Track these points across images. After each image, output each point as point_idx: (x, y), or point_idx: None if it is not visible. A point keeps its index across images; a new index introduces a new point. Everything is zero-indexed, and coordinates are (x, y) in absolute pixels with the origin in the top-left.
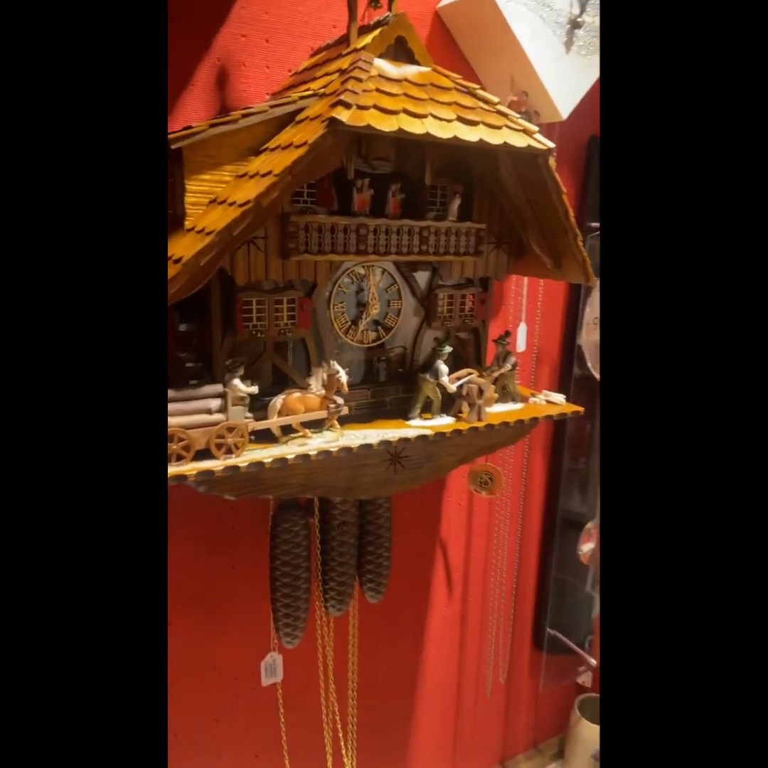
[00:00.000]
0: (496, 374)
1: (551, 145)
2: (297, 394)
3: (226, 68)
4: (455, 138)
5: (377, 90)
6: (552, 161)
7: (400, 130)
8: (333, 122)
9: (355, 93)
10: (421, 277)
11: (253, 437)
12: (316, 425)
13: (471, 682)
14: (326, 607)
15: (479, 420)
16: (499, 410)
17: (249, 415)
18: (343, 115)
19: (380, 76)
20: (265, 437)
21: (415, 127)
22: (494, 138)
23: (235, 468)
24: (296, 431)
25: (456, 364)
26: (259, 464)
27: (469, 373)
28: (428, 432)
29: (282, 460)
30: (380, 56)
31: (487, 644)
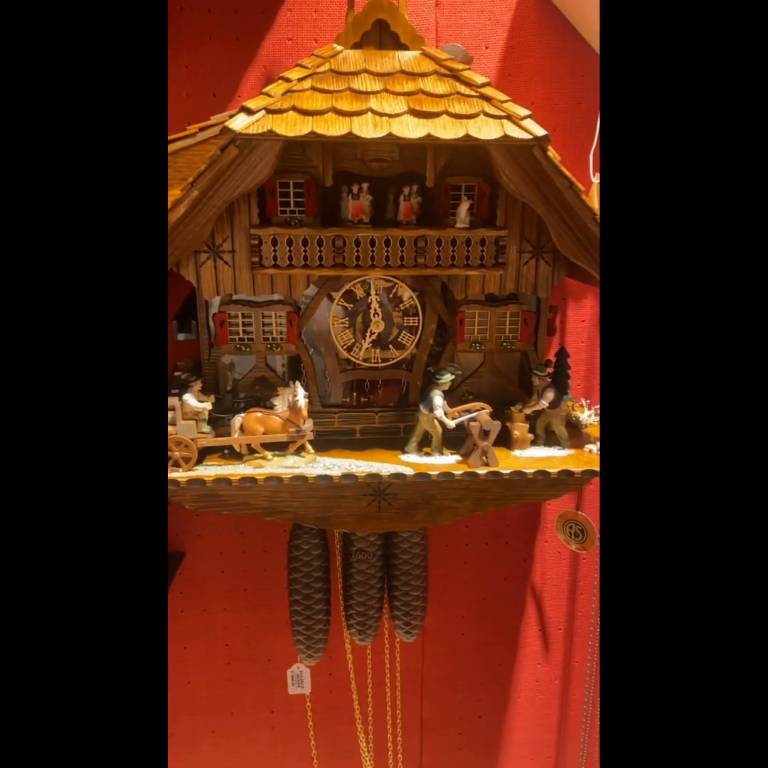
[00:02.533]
0: (528, 411)
1: (540, 133)
2: (258, 414)
3: (273, 75)
4: (390, 135)
5: (312, 88)
6: (553, 153)
7: (312, 133)
8: (224, 131)
9: (270, 96)
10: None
11: (226, 452)
12: (280, 447)
13: (559, 761)
14: (351, 634)
15: (485, 464)
16: (534, 455)
17: (206, 430)
18: (238, 124)
19: (331, 70)
20: (235, 454)
21: (336, 127)
22: (448, 131)
23: (201, 481)
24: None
25: (495, 395)
26: (226, 481)
27: (481, 408)
28: (408, 471)
29: (251, 480)
30: (358, 44)
31: (581, 717)
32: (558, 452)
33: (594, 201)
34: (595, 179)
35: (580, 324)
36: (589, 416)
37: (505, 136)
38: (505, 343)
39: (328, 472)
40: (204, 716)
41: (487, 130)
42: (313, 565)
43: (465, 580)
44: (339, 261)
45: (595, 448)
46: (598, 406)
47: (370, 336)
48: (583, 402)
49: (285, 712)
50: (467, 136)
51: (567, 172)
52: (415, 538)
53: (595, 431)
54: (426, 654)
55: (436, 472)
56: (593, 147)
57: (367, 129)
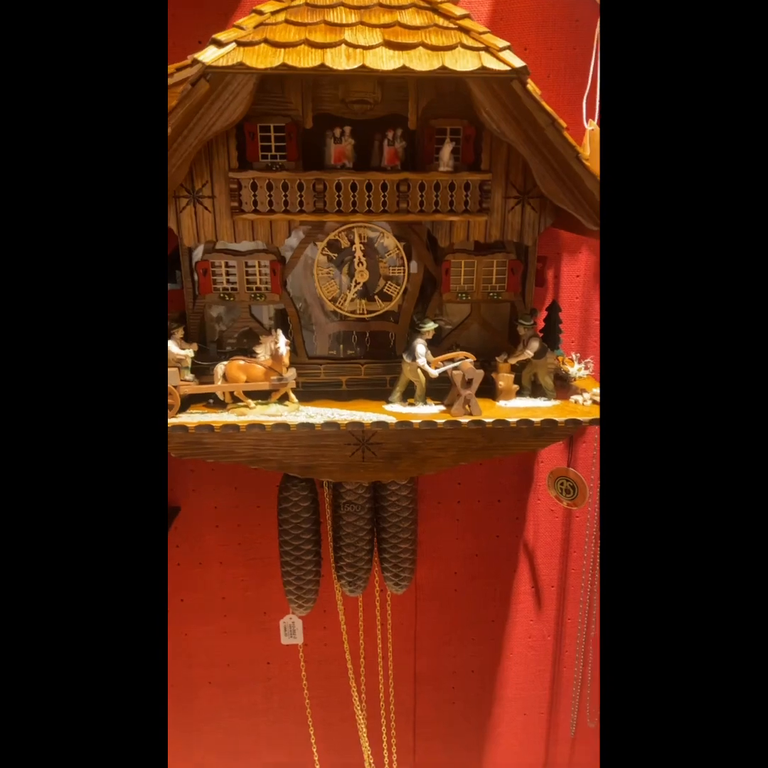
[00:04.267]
0: (513, 361)
1: (518, 64)
2: (240, 362)
3: None
4: (363, 67)
5: (286, 21)
6: (533, 87)
7: (283, 65)
8: (194, 63)
9: (241, 29)
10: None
11: (211, 401)
12: (264, 396)
13: (551, 717)
14: (341, 586)
15: (468, 413)
16: (520, 405)
17: (189, 377)
18: (208, 57)
19: (306, 3)
20: (220, 403)
21: (308, 59)
22: (423, 63)
23: (184, 428)
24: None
25: (483, 348)
26: (208, 427)
27: (465, 357)
28: (390, 420)
29: (233, 427)
30: None
31: (573, 674)
32: (543, 403)
33: (586, 148)
34: (589, 126)
35: (575, 279)
36: (578, 370)
37: (483, 68)
38: (492, 294)
39: (310, 420)
40: (201, 668)
41: (463, 62)
42: (302, 516)
43: (457, 537)
44: (319, 206)
45: (581, 398)
46: (589, 360)
47: (355, 286)
48: (573, 356)
49: (280, 663)
50: (443, 68)
51: (548, 108)
52: (403, 490)
53: (584, 383)
54: (419, 609)
55: (419, 421)
56: (586, 93)
57: (340, 61)
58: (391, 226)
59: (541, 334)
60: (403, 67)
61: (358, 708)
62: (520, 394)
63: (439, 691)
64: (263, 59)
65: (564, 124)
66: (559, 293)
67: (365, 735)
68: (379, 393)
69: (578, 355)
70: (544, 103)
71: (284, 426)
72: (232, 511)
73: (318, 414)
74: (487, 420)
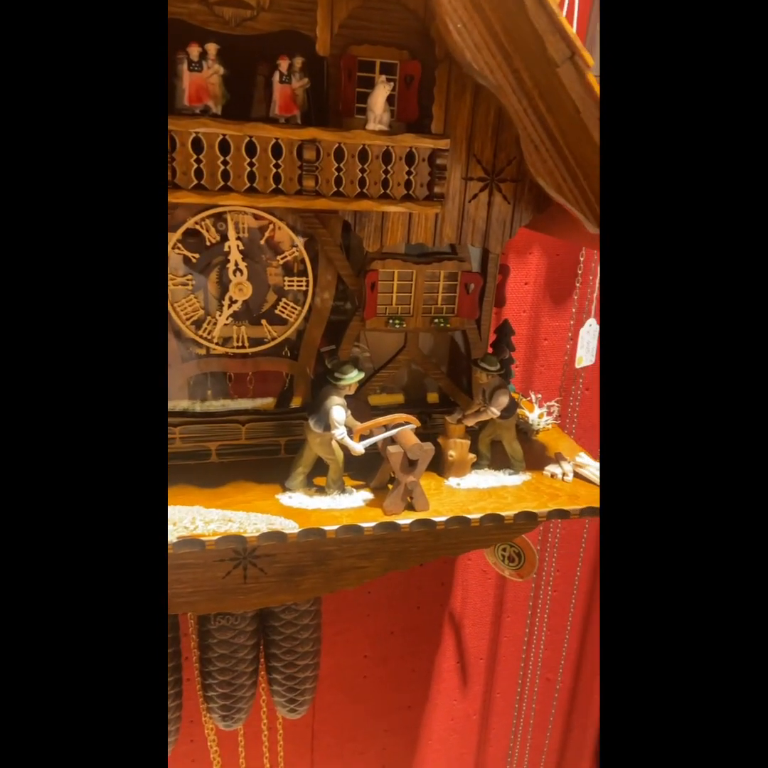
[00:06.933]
0: (469, 422)
1: None
2: None
3: None
4: None
5: None
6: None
7: None
8: None
9: None
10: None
11: None
12: None
13: None
14: (213, 719)
15: (409, 508)
16: (479, 484)
17: None
18: None
19: None
20: None
21: None
22: None
23: None
24: None
25: (417, 394)
26: None
27: (405, 423)
28: (289, 526)
29: None
30: None
31: (506, 757)
32: (510, 478)
33: None
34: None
35: (523, 288)
36: (539, 416)
37: None
38: (436, 319)
39: None
40: None
41: None
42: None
43: (368, 613)
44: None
45: (559, 471)
46: (552, 403)
47: (230, 305)
48: (533, 397)
49: None
50: None
51: (566, 25)
52: (303, 604)
53: (552, 441)
54: (316, 704)
55: (335, 528)
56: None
57: None
58: (288, 214)
59: (509, 384)
60: None
61: None
62: (476, 465)
63: None
64: None
65: (590, 62)
66: (504, 307)
67: None
68: (268, 466)
69: (539, 396)
70: (558, 15)
71: None
72: None
73: (170, 517)
74: (438, 519)
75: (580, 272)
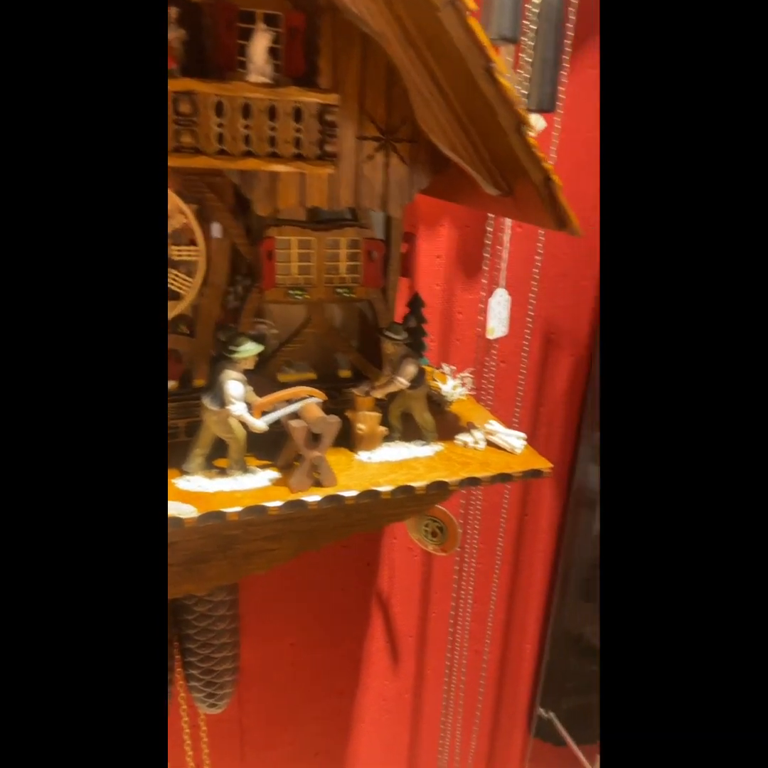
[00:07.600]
0: (378, 394)
1: None
2: None
3: None
4: None
5: None
6: None
7: None
8: None
9: None
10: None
11: None
12: None
13: None
14: None
15: (317, 484)
16: (391, 457)
17: None
18: None
19: None
20: None
21: None
22: None
23: None
24: None
25: (327, 368)
26: None
27: (309, 396)
28: (186, 511)
29: None
30: None
31: (439, 731)
32: (421, 449)
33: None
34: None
35: (435, 261)
36: (453, 388)
37: None
38: (340, 289)
39: None
40: None
41: None
42: None
43: (293, 598)
44: None
45: (471, 439)
46: (466, 374)
47: None
48: (446, 369)
49: None
50: None
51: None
52: (218, 594)
53: (465, 411)
54: (242, 697)
55: (239, 510)
56: None
57: None
58: (172, 176)
59: (417, 353)
60: None
61: None
62: (388, 438)
63: None
64: None
65: (471, 6)
66: (415, 280)
67: None
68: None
69: (452, 367)
70: None
71: None
72: None
73: None
74: (347, 493)
75: (488, 243)
